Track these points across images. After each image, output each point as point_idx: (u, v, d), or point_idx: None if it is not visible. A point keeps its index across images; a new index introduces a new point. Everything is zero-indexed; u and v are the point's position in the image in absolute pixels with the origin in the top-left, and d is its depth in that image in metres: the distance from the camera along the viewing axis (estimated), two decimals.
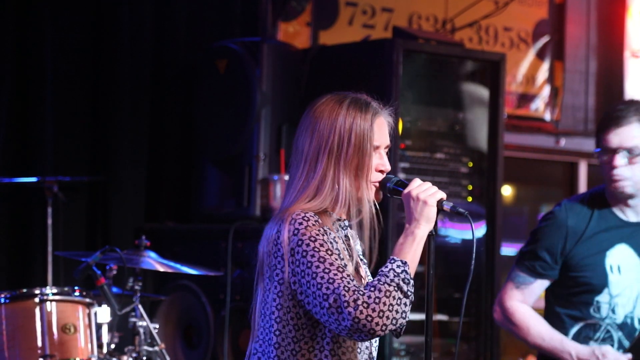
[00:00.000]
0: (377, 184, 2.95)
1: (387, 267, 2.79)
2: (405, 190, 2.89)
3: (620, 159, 3.95)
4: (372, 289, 2.73)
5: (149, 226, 6.07)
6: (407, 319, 2.82)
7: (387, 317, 2.72)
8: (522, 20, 7.83)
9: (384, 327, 2.73)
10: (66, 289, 4.68)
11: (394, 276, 2.76)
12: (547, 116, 7.98)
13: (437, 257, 6.41)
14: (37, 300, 4.55)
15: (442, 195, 2.89)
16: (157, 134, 6.35)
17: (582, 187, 8.11)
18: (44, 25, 5.92)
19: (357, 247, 3.04)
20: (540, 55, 7.93)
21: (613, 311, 4.05)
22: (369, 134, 2.93)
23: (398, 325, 2.77)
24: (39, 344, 4.53)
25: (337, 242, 2.85)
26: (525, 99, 7.89)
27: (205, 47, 6.27)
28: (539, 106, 7.95)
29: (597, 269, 4.04)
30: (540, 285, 4.13)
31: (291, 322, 2.86)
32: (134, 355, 4.83)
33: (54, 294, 4.59)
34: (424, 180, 2.93)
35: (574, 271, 4.08)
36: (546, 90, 7.97)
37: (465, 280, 6.55)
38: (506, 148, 6.35)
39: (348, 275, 2.77)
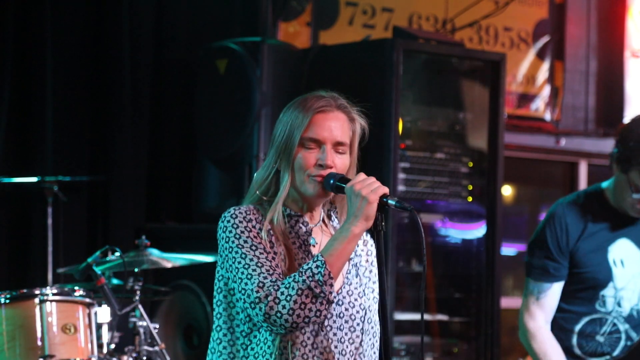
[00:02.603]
0: (319, 178, 2.91)
1: (308, 264, 2.80)
2: (348, 185, 2.84)
3: None
4: (287, 285, 2.77)
5: (149, 226, 6.07)
6: (324, 317, 2.80)
7: (299, 315, 2.75)
8: (522, 20, 7.83)
9: (294, 324, 2.76)
10: (66, 289, 4.68)
11: (308, 276, 2.77)
12: (547, 116, 7.98)
13: (437, 257, 6.41)
14: (37, 300, 4.55)
15: (385, 190, 2.82)
16: (157, 134, 6.35)
17: (582, 186, 8.10)
18: (44, 25, 5.91)
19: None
20: (541, 55, 7.93)
21: (619, 304, 4.13)
22: (302, 123, 2.91)
23: (310, 322, 2.78)
24: (39, 344, 4.53)
25: (272, 235, 2.87)
26: (526, 99, 7.89)
27: (205, 47, 6.27)
28: (539, 106, 7.95)
29: (601, 264, 4.12)
30: (557, 289, 4.18)
31: (237, 317, 2.91)
32: (134, 355, 4.83)
33: (54, 294, 4.59)
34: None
35: (578, 267, 4.15)
36: (546, 90, 7.96)
37: (466, 280, 6.56)
38: (506, 148, 6.35)
39: (267, 270, 2.80)
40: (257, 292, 2.77)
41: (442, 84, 6.17)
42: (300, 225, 2.96)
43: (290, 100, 3.02)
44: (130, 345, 4.88)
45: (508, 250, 7.89)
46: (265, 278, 2.79)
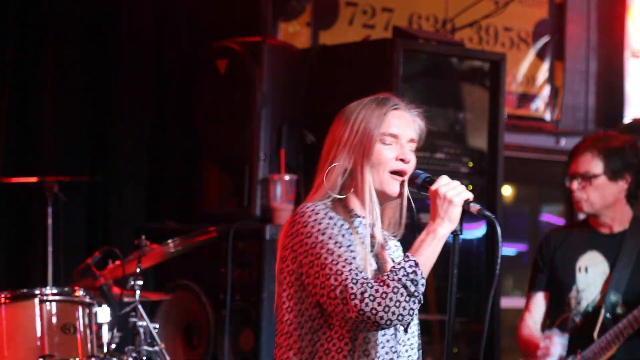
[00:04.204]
0: (400, 177, 2.96)
1: (399, 263, 2.82)
2: (433, 187, 2.91)
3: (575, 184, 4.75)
4: (382, 283, 2.77)
5: (149, 226, 6.07)
6: (413, 316, 2.87)
7: (393, 313, 2.76)
8: (522, 20, 7.83)
9: (388, 322, 2.76)
10: (66, 289, 4.69)
11: (403, 275, 2.78)
12: (547, 116, 7.98)
13: (437, 257, 6.40)
14: (37, 300, 4.56)
15: (469, 195, 2.91)
16: (158, 134, 6.35)
17: None
18: (44, 25, 5.92)
19: (398, 253, 3.09)
20: (541, 55, 7.92)
21: (579, 303, 4.67)
22: (379, 120, 2.95)
23: (404, 321, 2.80)
24: (39, 344, 4.53)
25: (350, 234, 2.88)
26: (526, 99, 7.89)
27: (205, 47, 6.27)
28: (539, 106, 7.95)
29: (567, 270, 4.70)
30: (541, 297, 4.82)
31: (306, 313, 2.90)
32: (134, 355, 4.84)
33: (54, 294, 4.60)
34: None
35: (552, 272, 4.76)
36: (546, 90, 7.96)
37: (466, 280, 6.55)
38: (506, 148, 6.35)
39: (357, 268, 2.80)
40: (352, 288, 2.77)
41: (442, 83, 6.17)
42: (369, 227, 2.97)
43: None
44: (130, 345, 4.88)
45: (508, 250, 7.89)
46: (357, 275, 2.79)
